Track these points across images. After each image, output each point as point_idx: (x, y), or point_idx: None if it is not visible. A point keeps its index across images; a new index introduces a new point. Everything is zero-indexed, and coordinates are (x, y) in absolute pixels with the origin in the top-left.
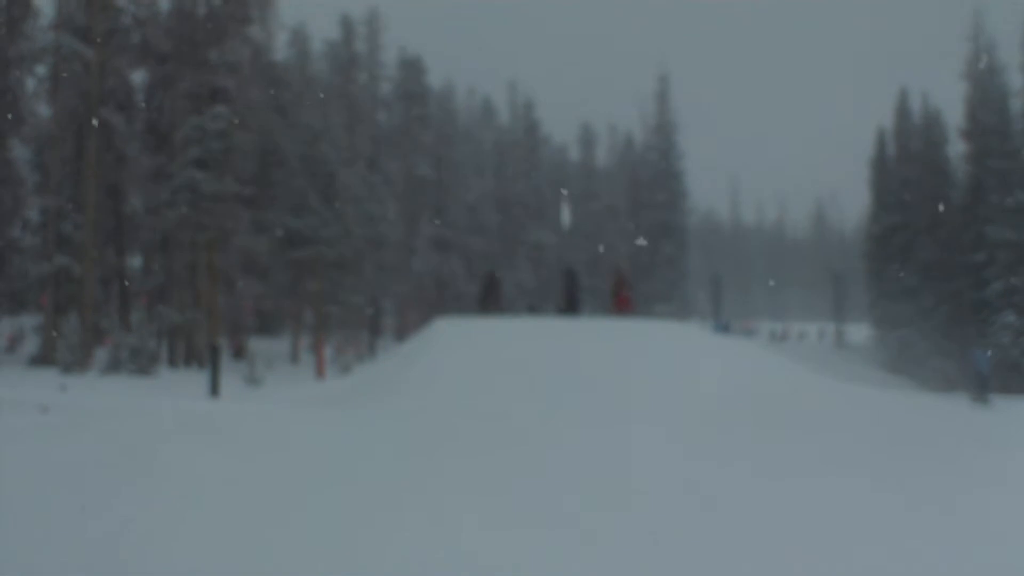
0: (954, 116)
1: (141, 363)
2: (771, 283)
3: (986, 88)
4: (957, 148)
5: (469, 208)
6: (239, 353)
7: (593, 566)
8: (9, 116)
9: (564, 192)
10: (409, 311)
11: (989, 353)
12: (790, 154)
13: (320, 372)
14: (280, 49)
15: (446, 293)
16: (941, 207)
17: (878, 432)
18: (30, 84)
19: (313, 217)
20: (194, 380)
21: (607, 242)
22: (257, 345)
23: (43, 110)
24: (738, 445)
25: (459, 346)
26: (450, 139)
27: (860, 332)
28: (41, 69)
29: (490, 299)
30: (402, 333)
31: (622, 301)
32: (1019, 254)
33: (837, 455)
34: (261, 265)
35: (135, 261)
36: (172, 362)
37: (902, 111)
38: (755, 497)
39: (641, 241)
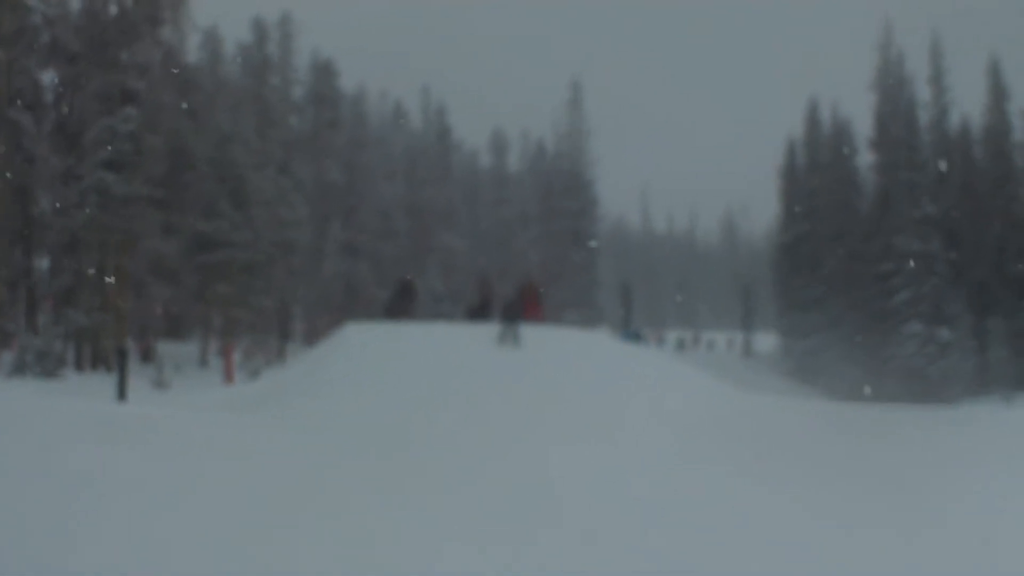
0: (863, 127)
1: (47, 366)
2: (679, 298)
3: (895, 99)
4: (866, 159)
5: (380, 213)
6: (147, 357)
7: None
8: None
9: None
10: (319, 316)
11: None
12: (701, 163)
13: (228, 377)
14: (192, 51)
15: (356, 298)
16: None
17: (786, 440)
18: None
19: (223, 221)
20: (101, 384)
21: (518, 249)
22: (165, 349)
23: None
24: (656, 455)
25: (369, 352)
26: (361, 143)
27: (768, 341)
28: None
29: (402, 305)
30: (312, 338)
31: (531, 308)
32: (925, 264)
33: (742, 462)
34: (170, 268)
35: (42, 263)
36: (79, 366)
37: (812, 121)
38: (656, 499)
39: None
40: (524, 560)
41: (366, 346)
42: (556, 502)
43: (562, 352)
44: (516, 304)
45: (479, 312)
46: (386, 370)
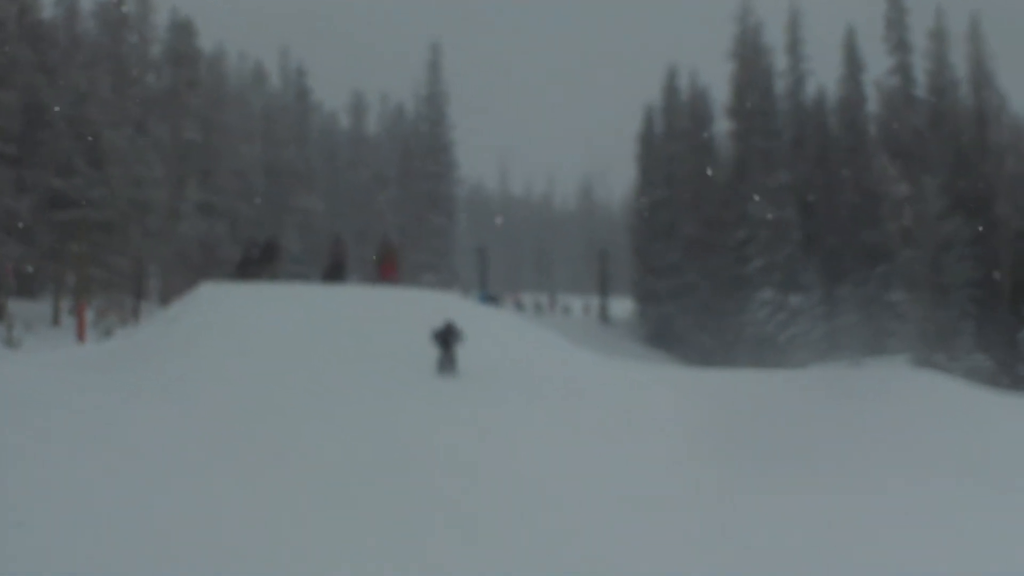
0: (721, 95)
1: None
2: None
3: (752, 68)
4: (723, 126)
5: (237, 173)
6: None
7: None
8: None
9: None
10: (174, 275)
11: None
12: (560, 128)
13: (81, 336)
14: (47, 7)
15: (213, 258)
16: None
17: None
18: None
19: (78, 178)
20: None
21: (376, 211)
22: (16, 307)
23: None
24: (504, 412)
25: (224, 312)
26: (220, 103)
27: (624, 306)
28: None
29: (264, 264)
30: (167, 297)
31: (388, 270)
32: (779, 232)
33: (600, 426)
34: (23, 226)
35: None
36: None
37: (670, 89)
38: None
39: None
40: (383, 518)
41: (220, 306)
42: (405, 463)
43: (418, 314)
44: (451, 328)
45: (333, 273)
46: (241, 330)
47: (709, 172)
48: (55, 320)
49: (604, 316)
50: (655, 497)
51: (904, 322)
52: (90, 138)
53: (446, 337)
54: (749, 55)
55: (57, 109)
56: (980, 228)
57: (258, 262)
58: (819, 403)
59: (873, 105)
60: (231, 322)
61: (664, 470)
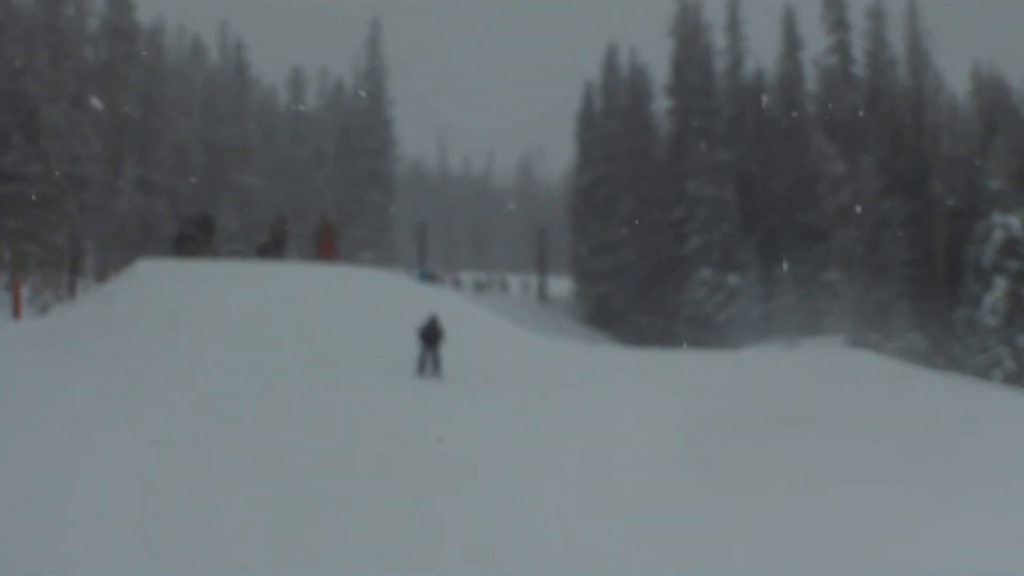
0: (660, 73)
1: None
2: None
3: (691, 46)
4: (662, 104)
5: (175, 149)
6: None
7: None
8: None
9: None
10: (111, 252)
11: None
12: (499, 106)
13: (16, 313)
14: None
15: (151, 234)
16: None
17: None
18: None
19: (14, 153)
20: None
21: (314, 188)
22: None
23: None
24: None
25: (161, 288)
26: (158, 78)
27: (563, 285)
28: None
29: (200, 241)
30: (103, 274)
31: (326, 248)
32: (717, 210)
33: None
34: None
35: None
36: None
37: (610, 66)
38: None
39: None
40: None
41: (158, 282)
42: (350, 438)
43: (356, 291)
44: (436, 325)
45: (270, 250)
46: (178, 307)
47: (647, 153)
48: None
49: (542, 295)
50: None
51: (841, 302)
52: (26, 113)
53: (431, 335)
54: (688, 33)
55: None
56: (916, 208)
57: (195, 239)
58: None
59: (811, 84)
60: (168, 299)
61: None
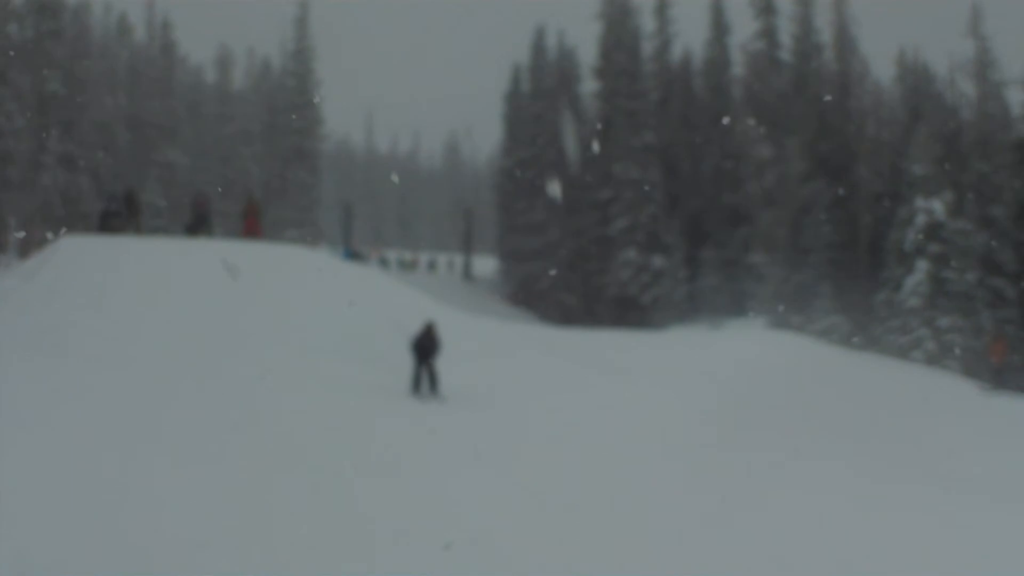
0: (588, 55)
1: None
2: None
3: (619, 29)
4: (589, 86)
5: (101, 126)
6: None
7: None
8: None
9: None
10: (35, 229)
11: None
12: (428, 86)
13: None
14: None
15: (75, 211)
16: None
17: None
18: None
19: None
20: None
21: (240, 166)
22: None
23: None
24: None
25: (85, 265)
26: (83, 55)
27: (488, 265)
28: None
29: (125, 218)
30: (26, 251)
31: (251, 225)
32: (642, 193)
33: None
34: None
35: None
36: None
37: (538, 48)
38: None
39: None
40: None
41: (81, 259)
42: (274, 416)
43: (281, 268)
44: (432, 333)
45: (196, 228)
46: (102, 284)
47: (575, 134)
48: None
49: (468, 274)
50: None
51: (764, 284)
52: None
53: (426, 346)
54: (616, 16)
55: None
56: (840, 191)
57: (120, 215)
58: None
59: (738, 68)
60: (93, 276)
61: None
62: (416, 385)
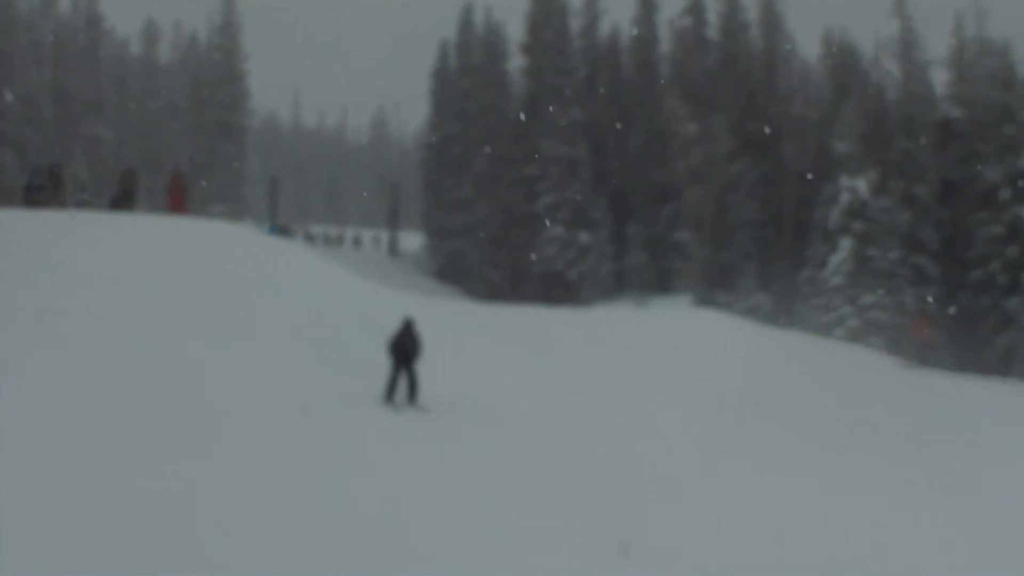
0: (516, 31)
1: None
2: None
3: (547, 5)
4: (517, 63)
5: (25, 99)
6: None
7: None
8: None
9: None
10: None
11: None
12: (355, 61)
13: None
14: None
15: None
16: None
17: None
18: None
19: None
20: None
21: (166, 141)
22: None
23: None
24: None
25: (9, 240)
26: (7, 29)
27: (414, 241)
28: None
29: (49, 192)
30: None
31: (177, 200)
32: (569, 169)
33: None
34: None
35: None
36: None
37: (465, 23)
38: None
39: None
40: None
41: (4, 234)
42: (207, 403)
43: (206, 244)
44: (412, 331)
45: (121, 202)
46: (30, 259)
47: (501, 111)
48: None
49: (394, 250)
50: None
51: (689, 261)
52: None
53: (404, 347)
54: None
55: None
56: (765, 170)
57: (43, 189)
58: None
59: (666, 46)
60: (18, 251)
61: None
62: (390, 392)
